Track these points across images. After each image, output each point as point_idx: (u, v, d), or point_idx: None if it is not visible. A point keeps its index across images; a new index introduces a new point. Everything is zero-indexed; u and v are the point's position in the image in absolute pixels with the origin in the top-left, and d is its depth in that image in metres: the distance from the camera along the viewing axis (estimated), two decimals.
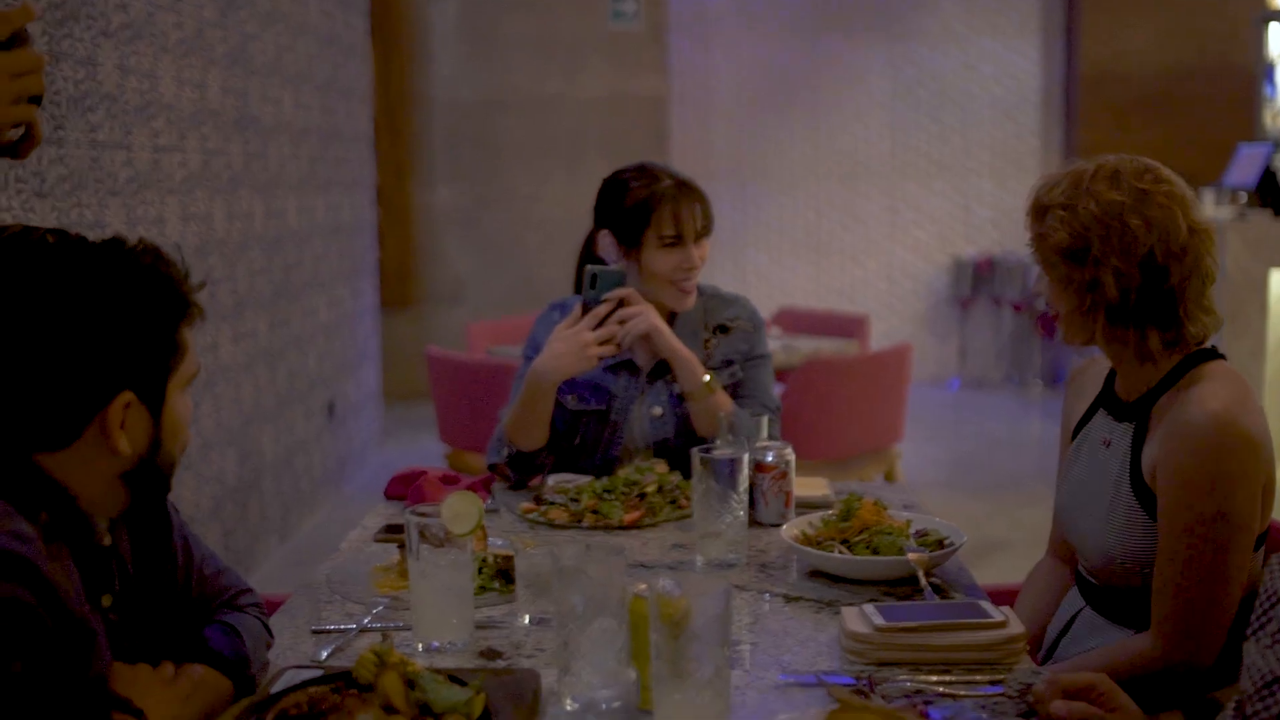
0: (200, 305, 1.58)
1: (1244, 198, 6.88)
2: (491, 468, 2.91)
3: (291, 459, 5.98)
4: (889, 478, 5.25)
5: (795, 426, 4.81)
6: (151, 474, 1.54)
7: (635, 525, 2.55)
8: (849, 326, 6.47)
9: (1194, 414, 1.97)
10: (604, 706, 1.69)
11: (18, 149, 1.60)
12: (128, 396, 1.47)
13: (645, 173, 2.89)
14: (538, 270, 9.02)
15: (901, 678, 1.79)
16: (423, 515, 1.91)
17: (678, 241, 2.84)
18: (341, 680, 1.58)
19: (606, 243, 2.91)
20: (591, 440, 2.94)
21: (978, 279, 9.67)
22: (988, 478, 7.10)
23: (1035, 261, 2.15)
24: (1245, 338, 6.04)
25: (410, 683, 1.53)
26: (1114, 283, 2.03)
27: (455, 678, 1.59)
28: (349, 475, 7.07)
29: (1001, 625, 1.87)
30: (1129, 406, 2.14)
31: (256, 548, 5.34)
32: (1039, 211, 2.11)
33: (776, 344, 5.59)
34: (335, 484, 6.78)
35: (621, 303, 2.79)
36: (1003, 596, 2.37)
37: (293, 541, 5.87)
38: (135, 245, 1.52)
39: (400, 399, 8.77)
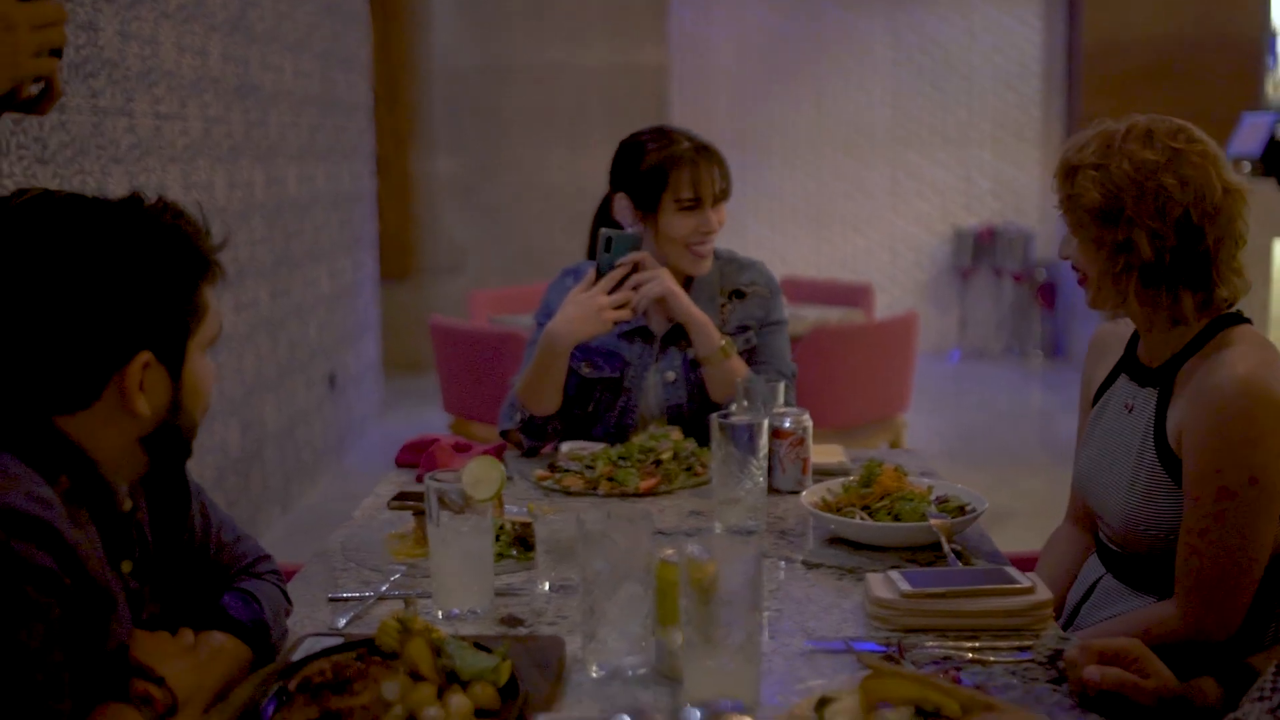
0: (222, 264, 1.55)
1: (1248, 167, 6.86)
2: (504, 434, 2.88)
3: (293, 429, 5.95)
4: (894, 446, 5.22)
5: (801, 395, 4.77)
6: (172, 437, 1.51)
7: (651, 492, 2.52)
8: (853, 295, 6.44)
9: (1222, 378, 1.95)
10: (630, 673, 1.67)
11: (38, 104, 1.57)
12: (146, 357, 1.44)
13: (663, 135, 2.85)
14: (538, 240, 8.98)
15: (929, 644, 1.76)
16: (442, 481, 1.88)
17: (695, 205, 2.81)
18: (364, 648, 1.56)
19: (622, 206, 2.87)
20: (604, 407, 2.91)
21: (978, 249, 9.64)
22: (989, 448, 7.09)
23: (1065, 224, 2.11)
24: (1249, 309, 6.00)
25: (436, 650, 1.51)
26: (1148, 243, 1.99)
27: (480, 645, 1.56)
28: (349, 447, 7.05)
29: (1029, 591, 1.85)
30: (1153, 371, 2.11)
31: (258, 518, 5.32)
32: (1068, 172, 2.07)
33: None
34: (336, 455, 6.76)
35: (636, 267, 2.76)
36: (1018, 564, 2.34)
37: (294, 513, 5.85)
38: (155, 203, 1.49)
39: (399, 370, 8.74)
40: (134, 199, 1.48)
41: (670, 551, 1.64)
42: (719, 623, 1.50)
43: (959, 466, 6.46)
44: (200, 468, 4.54)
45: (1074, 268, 2.14)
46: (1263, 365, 1.95)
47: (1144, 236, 1.99)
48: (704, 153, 2.84)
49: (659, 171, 2.80)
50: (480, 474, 1.85)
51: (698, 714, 1.06)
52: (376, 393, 7.93)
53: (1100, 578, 2.22)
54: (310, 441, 6.25)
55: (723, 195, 2.87)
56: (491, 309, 6.33)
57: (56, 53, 1.52)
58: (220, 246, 1.54)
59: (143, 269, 1.43)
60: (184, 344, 1.49)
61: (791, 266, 9.51)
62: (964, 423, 7.78)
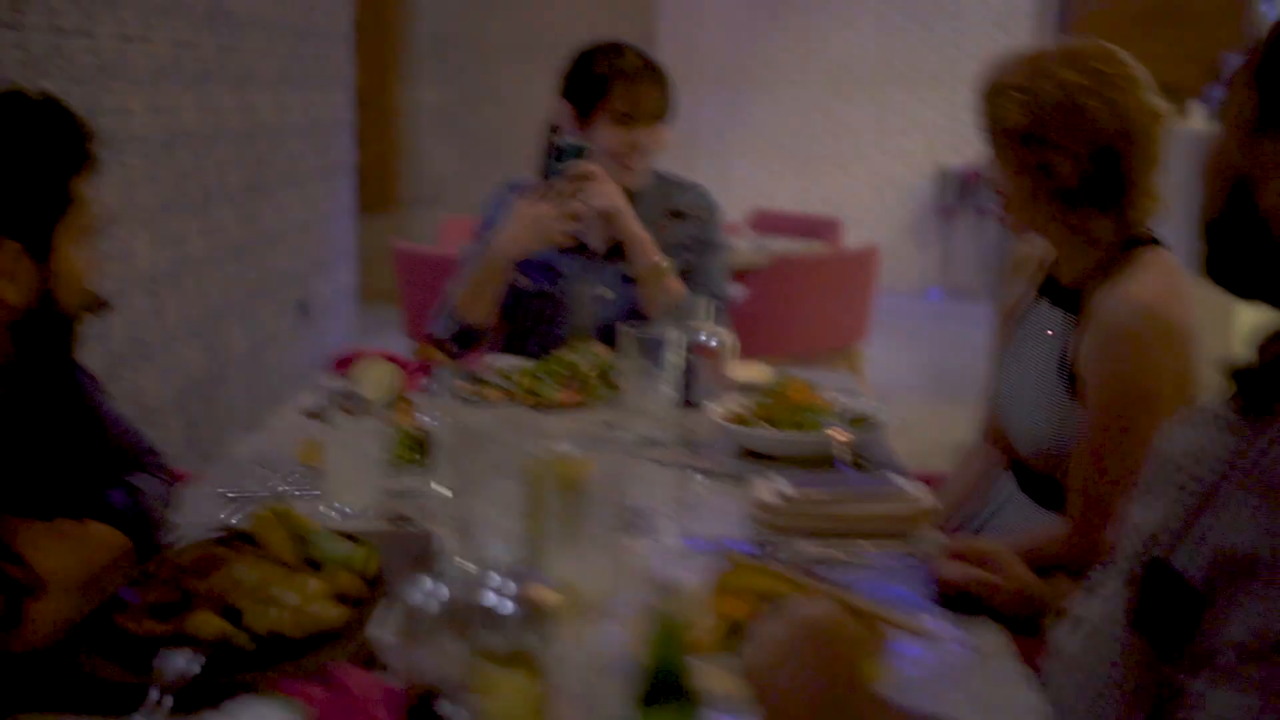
0: (98, 157, 1.56)
1: None
2: (434, 340, 2.89)
3: (261, 354, 5.96)
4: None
5: (761, 323, 4.80)
6: (45, 325, 1.53)
7: (571, 404, 2.55)
8: (821, 229, 6.45)
9: (1118, 303, 1.95)
10: (501, 567, 1.69)
11: None
12: (11, 245, 1.45)
13: (614, 49, 2.90)
14: (520, 172, 8.93)
15: (806, 546, 1.79)
16: (338, 382, 1.90)
17: (629, 120, 2.83)
18: (237, 539, 1.58)
19: (565, 113, 2.91)
20: (538, 321, 2.93)
21: (963, 189, 9.61)
22: (965, 384, 7.10)
23: (986, 144, 2.12)
24: None
25: (302, 538, 1.53)
26: (1067, 165, 1.99)
27: (350, 536, 1.59)
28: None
29: (912, 499, 1.87)
30: (1069, 293, 2.11)
31: (223, 439, 5.34)
32: (994, 92, 2.08)
33: (749, 244, 5.57)
34: (305, 381, 6.75)
35: (584, 178, 2.79)
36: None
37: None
38: (33, 97, 1.50)
39: (379, 300, 8.73)
40: (14, 93, 1.49)
41: (540, 450, 1.67)
42: (581, 518, 1.52)
43: (932, 399, 6.51)
44: (160, 388, 4.56)
45: (994, 190, 2.15)
46: (1162, 289, 1.95)
47: (1063, 158, 1.99)
48: (648, 71, 2.87)
49: (600, 82, 2.84)
50: (370, 375, 1.87)
51: (496, 577, 1.09)
52: (350, 321, 7.93)
53: (1010, 495, 2.24)
54: (279, 366, 6.27)
55: (659, 115, 2.88)
56: (463, 237, 6.31)
57: None
58: (92, 137, 1.54)
59: (5, 157, 1.44)
60: (49, 234, 1.50)
61: (774, 202, 9.48)
62: (939, 359, 7.80)
